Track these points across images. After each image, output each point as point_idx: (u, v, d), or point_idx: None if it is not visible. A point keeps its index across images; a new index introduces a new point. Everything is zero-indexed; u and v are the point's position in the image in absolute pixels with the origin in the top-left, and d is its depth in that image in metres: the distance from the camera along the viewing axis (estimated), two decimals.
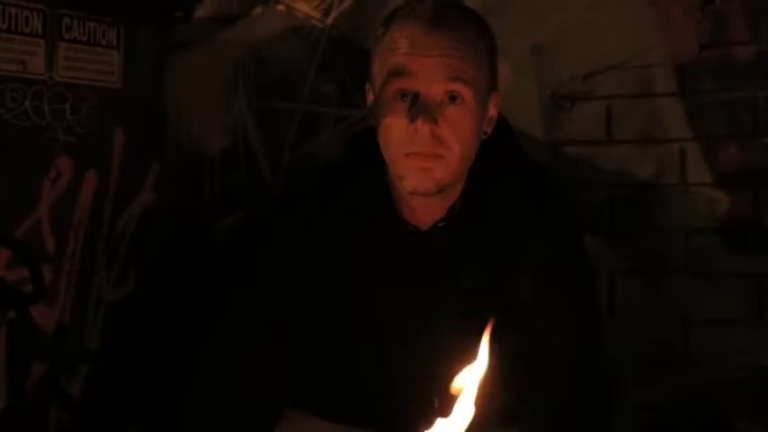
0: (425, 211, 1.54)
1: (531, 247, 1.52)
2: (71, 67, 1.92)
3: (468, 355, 1.28)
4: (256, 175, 2.56)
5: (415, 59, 1.45)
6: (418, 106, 1.44)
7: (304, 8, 2.52)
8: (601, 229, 2.19)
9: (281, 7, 2.55)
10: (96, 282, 1.97)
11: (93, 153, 1.96)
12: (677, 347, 2.14)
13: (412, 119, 1.44)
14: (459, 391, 1.14)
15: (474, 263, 1.52)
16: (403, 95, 1.46)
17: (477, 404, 1.08)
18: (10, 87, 1.81)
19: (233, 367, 1.58)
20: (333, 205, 1.57)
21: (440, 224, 1.53)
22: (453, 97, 1.46)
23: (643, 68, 2.18)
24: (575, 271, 1.57)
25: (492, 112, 1.55)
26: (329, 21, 2.49)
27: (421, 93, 1.45)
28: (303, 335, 1.59)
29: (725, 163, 2.12)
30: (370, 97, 1.55)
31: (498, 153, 1.58)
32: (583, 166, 2.22)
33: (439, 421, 1.15)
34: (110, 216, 2.00)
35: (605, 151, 2.21)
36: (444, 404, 1.13)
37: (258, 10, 2.58)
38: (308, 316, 1.58)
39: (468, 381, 1.14)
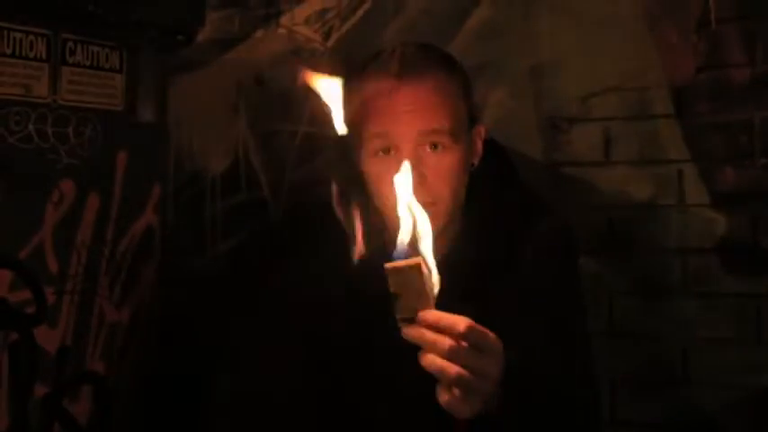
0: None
1: (528, 275, 1.52)
2: (74, 91, 1.93)
3: None
4: (257, 195, 2.58)
5: (389, 118, 1.46)
6: (401, 161, 1.46)
7: (305, 31, 2.54)
8: (599, 250, 2.21)
9: (282, 30, 2.57)
10: (99, 303, 1.98)
11: (95, 175, 1.97)
12: (676, 368, 2.15)
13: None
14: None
15: (473, 297, 1.51)
16: (384, 150, 1.48)
17: None
18: (14, 111, 1.82)
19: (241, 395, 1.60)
20: (334, 244, 1.58)
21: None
22: (435, 145, 1.47)
23: (640, 90, 2.21)
24: (570, 298, 1.57)
25: (478, 144, 1.57)
26: (329, 44, 2.51)
27: (401, 148, 1.46)
28: (305, 364, 1.60)
29: (722, 184, 2.14)
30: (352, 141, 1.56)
31: (496, 185, 1.59)
32: (581, 188, 2.23)
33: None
34: (112, 238, 2.01)
35: (603, 173, 2.23)
36: None
37: (259, 33, 2.60)
38: (307, 345, 1.59)
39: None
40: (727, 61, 2.13)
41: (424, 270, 1.23)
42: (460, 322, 1.21)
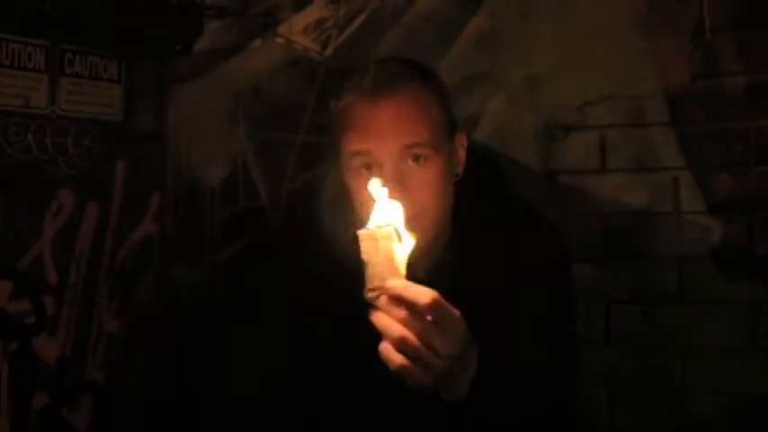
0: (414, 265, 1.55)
1: (517, 282, 1.53)
2: (73, 101, 1.94)
3: None
4: (255, 205, 2.59)
5: (369, 136, 1.47)
6: (384, 178, 1.46)
7: (302, 41, 2.55)
8: (595, 257, 2.21)
9: (279, 40, 2.58)
10: (98, 313, 1.99)
11: (94, 185, 1.98)
12: (672, 375, 2.16)
13: None
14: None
15: (462, 307, 1.50)
16: (367, 167, 1.49)
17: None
18: (13, 122, 1.83)
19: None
20: (325, 251, 1.57)
21: (420, 275, 1.52)
22: (417, 157, 1.48)
23: (636, 98, 2.22)
24: (558, 304, 1.57)
25: (460, 152, 1.57)
26: (327, 53, 2.52)
27: (383, 164, 1.47)
28: (302, 369, 1.61)
29: (718, 191, 2.15)
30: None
31: (484, 194, 1.59)
32: (577, 195, 2.24)
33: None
34: (111, 247, 2.02)
35: (599, 180, 2.24)
36: None
37: (257, 43, 2.61)
38: (303, 349, 1.60)
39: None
40: (723, 70, 2.14)
41: (396, 239, 1.24)
42: (424, 295, 1.23)
